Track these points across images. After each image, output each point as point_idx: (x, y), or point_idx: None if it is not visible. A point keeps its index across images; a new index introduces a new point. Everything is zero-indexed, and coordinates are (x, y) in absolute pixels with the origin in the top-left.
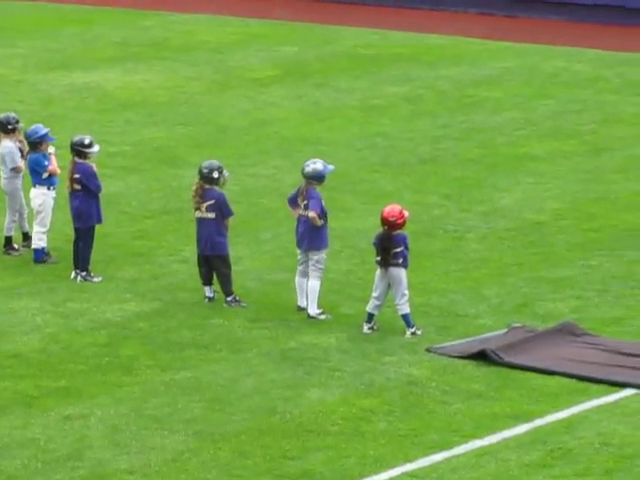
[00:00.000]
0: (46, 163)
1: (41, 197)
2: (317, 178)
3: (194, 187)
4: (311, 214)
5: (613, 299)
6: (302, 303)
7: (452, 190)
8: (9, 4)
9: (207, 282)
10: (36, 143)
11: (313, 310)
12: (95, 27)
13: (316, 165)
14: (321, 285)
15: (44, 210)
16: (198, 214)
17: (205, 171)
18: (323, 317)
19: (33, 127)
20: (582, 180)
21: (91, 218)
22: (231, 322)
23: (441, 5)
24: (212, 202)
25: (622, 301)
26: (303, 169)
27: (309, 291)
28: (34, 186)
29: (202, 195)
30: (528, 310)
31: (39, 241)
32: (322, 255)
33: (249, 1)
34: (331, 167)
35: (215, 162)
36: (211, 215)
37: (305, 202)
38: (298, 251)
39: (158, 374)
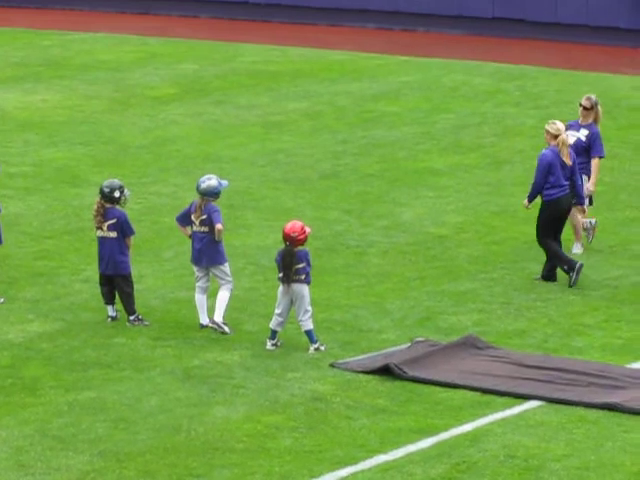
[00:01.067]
0: None
1: None
2: (213, 194)
3: (95, 206)
4: (218, 226)
5: (515, 311)
6: (204, 320)
7: (353, 205)
8: None
9: (109, 301)
10: None
11: (218, 317)
12: None
13: (211, 181)
14: (230, 297)
15: None
16: (100, 233)
17: (106, 190)
18: (226, 329)
19: None
20: (483, 193)
21: None
22: (134, 341)
23: (340, 21)
24: (113, 221)
25: (524, 313)
26: (198, 186)
27: (218, 300)
28: None
29: (103, 214)
30: (431, 324)
31: None
32: (226, 267)
33: (148, 20)
34: (225, 182)
35: (116, 181)
36: (113, 234)
37: (202, 217)
38: (195, 268)
39: (62, 394)
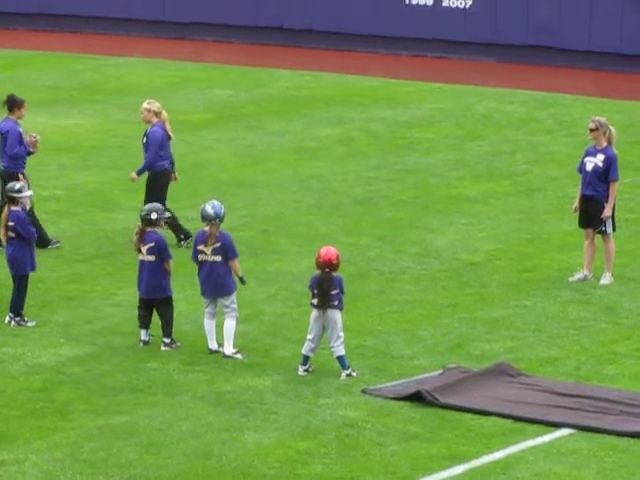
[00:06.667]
0: None
1: None
2: (220, 218)
3: (135, 229)
4: (235, 265)
5: (548, 339)
6: (212, 345)
7: (386, 231)
8: None
9: (144, 325)
10: None
11: (229, 350)
12: (27, 71)
13: (215, 205)
14: (237, 324)
15: None
16: (140, 256)
17: (143, 213)
18: (239, 356)
19: None
20: (515, 220)
21: (25, 266)
22: (166, 365)
23: (373, 48)
24: (152, 245)
25: (557, 341)
26: (218, 213)
27: (225, 331)
28: None
29: (142, 238)
30: (463, 351)
31: None
32: (234, 295)
33: (182, 45)
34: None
35: (156, 204)
36: (151, 258)
37: (217, 245)
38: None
39: (93, 418)
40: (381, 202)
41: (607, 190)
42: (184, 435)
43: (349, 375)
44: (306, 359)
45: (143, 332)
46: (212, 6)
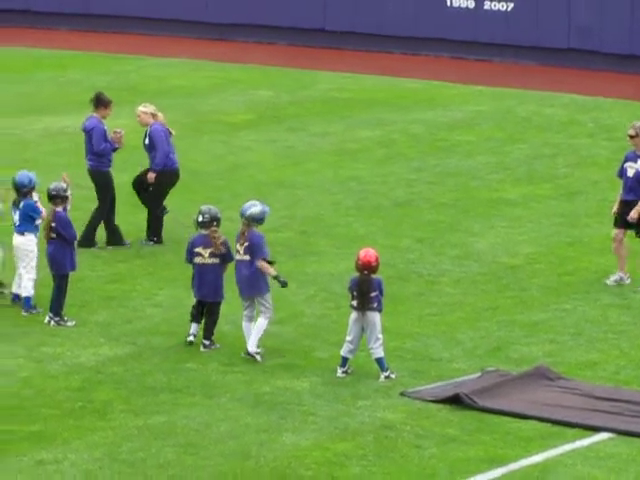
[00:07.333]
0: (41, 210)
1: (32, 244)
2: (258, 220)
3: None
4: (262, 264)
5: (587, 343)
6: (250, 348)
7: (426, 234)
8: None
9: (196, 320)
10: (30, 190)
11: (252, 347)
12: (69, 71)
13: (256, 208)
14: (268, 324)
15: (35, 257)
16: (200, 260)
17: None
18: (258, 358)
19: (23, 174)
20: (556, 224)
21: (64, 266)
22: (205, 366)
23: (415, 50)
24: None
25: (596, 345)
26: (243, 212)
27: (256, 327)
28: (22, 233)
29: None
30: (502, 354)
31: (31, 289)
32: (268, 296)
33: (224, 46)
34: (267, 209)
35: (213, 208)
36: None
37: (247, 244)
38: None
39: (132, 419)
40: (421, 204)
41: None
42: (222, 436)
43: (387, 377)
44: (345, 361)
45: (194, 326)
46: (254, 7)
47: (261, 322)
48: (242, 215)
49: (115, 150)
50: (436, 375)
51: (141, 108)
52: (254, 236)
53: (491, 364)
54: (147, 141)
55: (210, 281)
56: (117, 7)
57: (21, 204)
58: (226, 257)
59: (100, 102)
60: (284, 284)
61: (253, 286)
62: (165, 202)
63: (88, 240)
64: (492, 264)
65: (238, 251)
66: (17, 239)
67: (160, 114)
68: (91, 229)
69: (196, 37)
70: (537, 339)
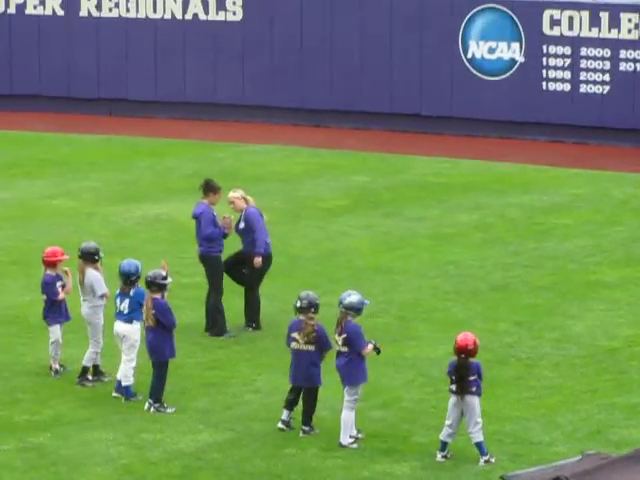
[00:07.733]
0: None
1: (138, 333)
2: (356, 310)
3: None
4: (366, 351)
5: None
6: (344, 440)
7: (524, 317)
8: (81, 137)
9: (289, 407)
10: (137, 278)
11: (345, 440)
12: (166, 159)
13: (355, 296)
14: (355, 415)
15: (138, 346)
16: (295, 346)
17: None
18: (355, 446)
19: (130, 263)
20: None
21: (164, 354)
22: (304, 452)
23: (511, 133)
24: (344, 336)
25: None
26: (342, 300)
27: (343, 421)
28: (130, 321)
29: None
30: (602, 437)
31: (132, 377)
32: (358, 388)
33: (319, 132)
34: (367, 302)
35: (311, 294)
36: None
37: (344, 335)
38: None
39: None
40: (519, 288)
41: None
42: None
43: (487, 461)
44: (444, 445)
45: (286, 413)
46: (348, 93)
47: (347, 415)
48: (340, 303)
49: (226, 236)
50: (536, 459)
51: (232, 194)
52: (351, 327)
53: (591, 447)
54: (242, 225)
55: (304, 367)
56: (212, 95)
57: (132, 292)
58: (321, 345)
59: (209, 188)
60: (378, 350)
61: (351, 375)
62: (263, 287)
63: (221, 330)
64: (590, 347)
65: (337, 341)
66: (123, 327)
67: (250, 197)
68: (219, 317)
69: (291, 124)
70: (637, 422)
